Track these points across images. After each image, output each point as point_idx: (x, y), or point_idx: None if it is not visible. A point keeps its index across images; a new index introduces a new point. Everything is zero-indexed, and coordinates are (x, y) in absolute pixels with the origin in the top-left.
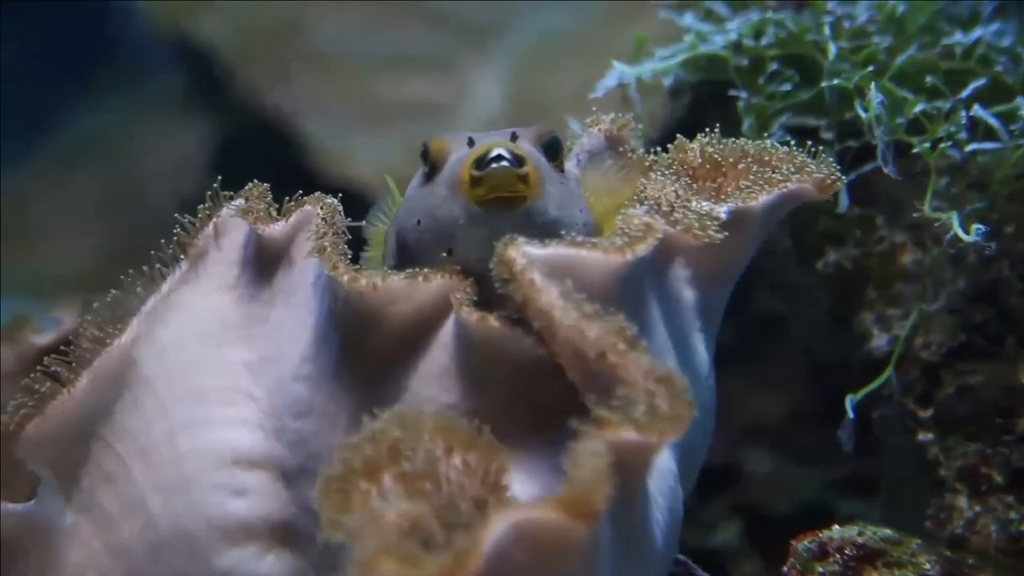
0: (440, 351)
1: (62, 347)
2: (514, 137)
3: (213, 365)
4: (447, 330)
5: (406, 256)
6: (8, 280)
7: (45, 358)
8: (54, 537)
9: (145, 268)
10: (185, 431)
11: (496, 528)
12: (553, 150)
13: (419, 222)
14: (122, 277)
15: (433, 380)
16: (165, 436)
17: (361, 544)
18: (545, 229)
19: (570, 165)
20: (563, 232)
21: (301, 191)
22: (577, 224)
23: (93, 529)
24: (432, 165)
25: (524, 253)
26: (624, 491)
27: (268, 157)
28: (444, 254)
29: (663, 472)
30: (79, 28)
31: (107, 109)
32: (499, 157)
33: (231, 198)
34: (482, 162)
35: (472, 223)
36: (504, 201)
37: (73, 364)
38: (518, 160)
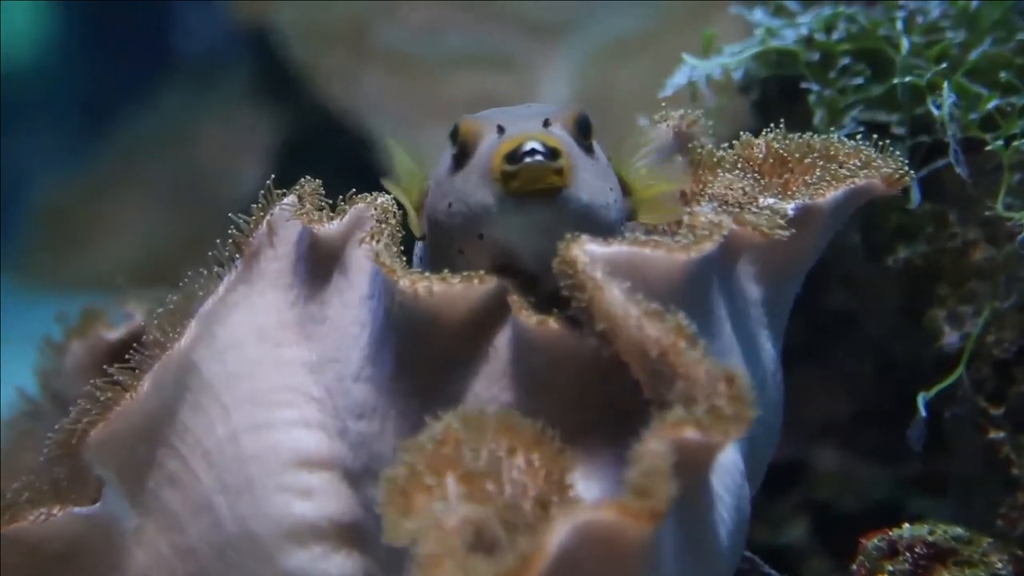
0: (499, 352)
1: (134, 344)
2: (546, 123)
3: (272, 366)
4: (505, 331)
5: (437, 234)
6: (78, 273)
7: (111, 362)
8: (121, 539)
9: (203, 269)
10: (248, 433)
11: (560, 531)
12: (585, 130)
13: (450, 205)
14: (182, 283)
15: (493, 381)
16: (228, 438)
17: (423, 547)
18: (578, 215)
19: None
20: (594, 215)
21: (355, 189)
22: (608, 204)
23: (159, 530)
24: (462, 148)
25: (587, 251)
26: (687, 490)
27: (336, 153)
28: (477, 238)
29: (729, 469)
30: (151, 22)
31: (178, 102)
32: (532, 151)
33: (284, 196)
34: (515, 156)
35: (505, 212)
36: (538, 193)
37: (135, 369)
38: (552, 153)
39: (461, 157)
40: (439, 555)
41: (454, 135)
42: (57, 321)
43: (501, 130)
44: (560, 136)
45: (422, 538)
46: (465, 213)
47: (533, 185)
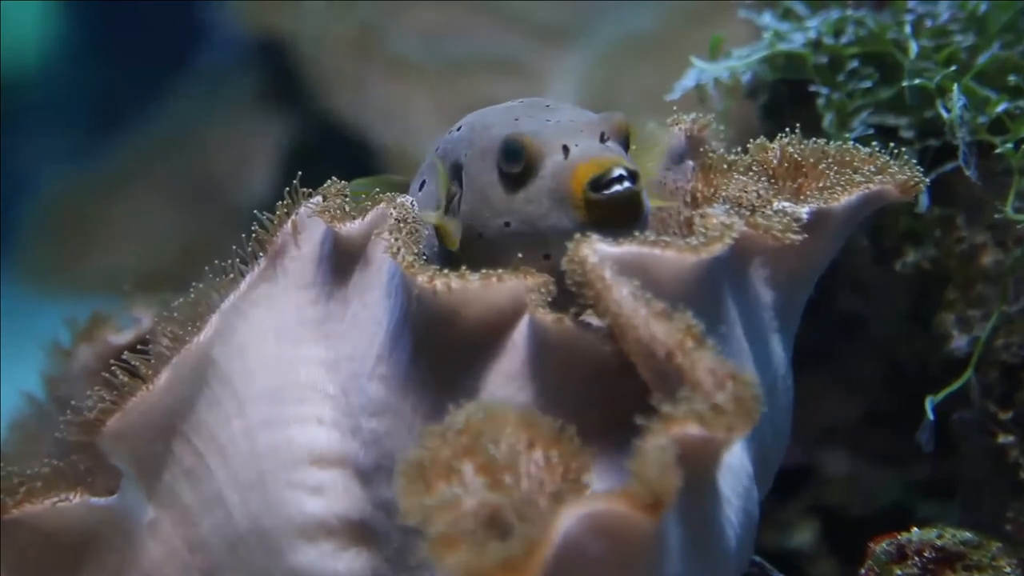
0: (514, 351)
1: (140, 346)
2: (603, 137)
3: (290, 363)
4: (521, 330)
5: (479, 249)
6: (86, 277)
7: (124, 355)
8: (136, 531)
9: (225, 265)
10: (262, 429)
11: (564, 520)
12: (628, 138)
13: (508, 224)
14: (205, 273)
15: (507, 380)
16: (243, 433)
17: (436, 527)
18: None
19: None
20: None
21: (378, 190)
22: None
23: (173, 524)
24: (525, 168)
25: (596, 251)
26: (692, 488)
27: (342, 159)
28: (542, 259)
29: (737, 472)
30: (160, 26)
31: (186, 108)
32: (620, 178)
33: (309, 196)
34: (600, 183)
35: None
36: (623, 219)
37: (153, 361)
38: (633, 177)
39: (523, 176)
40: (453, 536)
41: (515, 155)
42: (65, 325)
43: (566, 150)
44: (622, 153)
45: (436, 518)
46: (531, 234)
47: (620, 213)
